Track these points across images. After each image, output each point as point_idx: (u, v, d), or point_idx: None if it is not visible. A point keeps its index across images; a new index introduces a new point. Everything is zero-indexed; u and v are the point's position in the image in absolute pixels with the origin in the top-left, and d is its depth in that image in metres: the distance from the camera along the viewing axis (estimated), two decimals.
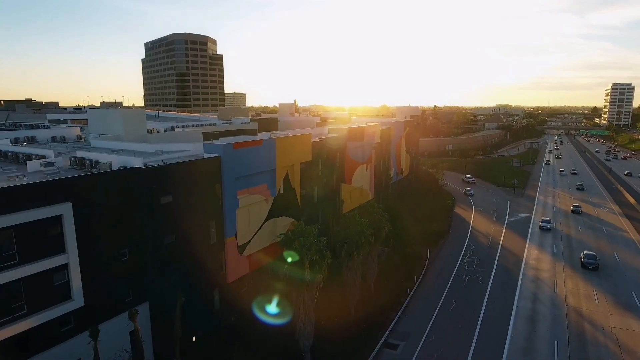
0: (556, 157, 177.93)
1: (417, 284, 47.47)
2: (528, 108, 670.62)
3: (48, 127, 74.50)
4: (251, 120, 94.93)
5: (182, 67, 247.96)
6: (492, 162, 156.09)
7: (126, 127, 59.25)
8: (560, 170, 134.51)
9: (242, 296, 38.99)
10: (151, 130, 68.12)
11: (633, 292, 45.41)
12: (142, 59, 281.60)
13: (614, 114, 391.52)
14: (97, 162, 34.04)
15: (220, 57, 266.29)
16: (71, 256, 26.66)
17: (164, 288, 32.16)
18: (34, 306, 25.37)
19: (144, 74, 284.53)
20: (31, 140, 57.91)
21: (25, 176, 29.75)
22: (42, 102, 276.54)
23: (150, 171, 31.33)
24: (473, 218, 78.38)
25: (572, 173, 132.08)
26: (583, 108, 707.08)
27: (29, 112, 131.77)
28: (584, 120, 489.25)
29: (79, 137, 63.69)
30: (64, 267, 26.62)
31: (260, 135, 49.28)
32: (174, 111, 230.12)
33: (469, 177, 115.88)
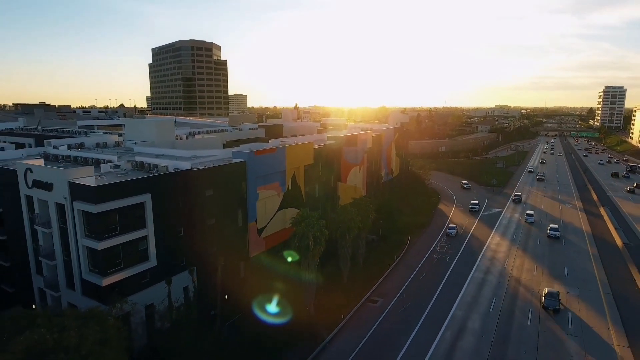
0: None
1: (396, 261, 59.75)
2: (526, 109, 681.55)
3: (87, 134, 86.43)
4: (258, 126, 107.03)
5: (189, 72, 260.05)
6: (479, 163, 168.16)
7: (158, 134, 70.71)
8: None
9: (260, 267, 51.21)
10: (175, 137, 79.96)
11: (565, 267, 57.69)
12: (150, 64, 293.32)
13: (606, 116, 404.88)
14: (156, 166, 45.92)
15: (225, 63, 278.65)
16: (149, 230, 38.86)
17: (207, 257, 44.32)
18: (126, 263, 37.53)
19: (151, 78, 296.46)
20: (81, 146, 69.56)
21: (105, 176, 41.79)
22: (55, 106, 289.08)
23: (198, 172, 43.60)
24: (453, 212, 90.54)
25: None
26: (582, 109, 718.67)
27: (54, 118, 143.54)
28: (579, 122, 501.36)
29: (117, 143, 75.31)
30: (145, 238, 38.80)
31: (273, 143, 61.49)
32: (181, 115, 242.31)
33: (466, 183, 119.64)
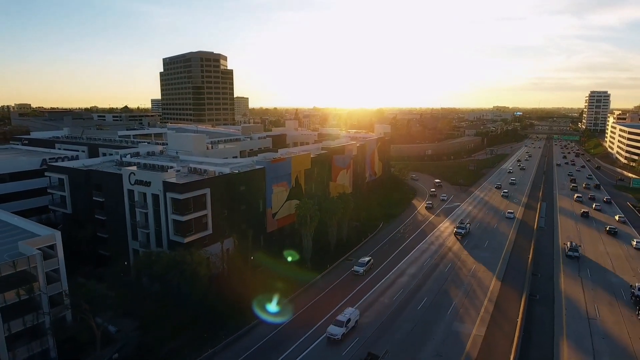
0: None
1: (368, 237, 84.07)
2: (523, 110, 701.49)
3: (127, 142, 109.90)
4: (266, 135, 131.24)
5: (198, 82, 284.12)
6: (457, 165, 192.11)
7: (195, 145, 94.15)
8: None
9: (274, 240, 75.40)
10: None
11: (487, 241, 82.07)
12: (160, 72, 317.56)
13: (591, 119, 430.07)
14: (206, 171, 70.00)
15: (231, 72, 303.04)
16: (208, 211, 63.03)
17: (240, 230, 68.38)
18: (196, 230, 61.67)
19: (161, 86, 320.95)
20: (137, 155, 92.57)
21: (174, 177, 65.79)
22: (75, 110, 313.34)
23: (236, 174, 67.86)
24: (421, 206, 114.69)
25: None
26: (578, 110, 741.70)
27: (92, 126, 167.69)
28: (570, 124, 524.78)
29: (162, 152, 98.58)
30: (205, 215, 62.97)
31: (281, 152, 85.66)
32: (191, 120, 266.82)
33: (438, 182, 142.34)
